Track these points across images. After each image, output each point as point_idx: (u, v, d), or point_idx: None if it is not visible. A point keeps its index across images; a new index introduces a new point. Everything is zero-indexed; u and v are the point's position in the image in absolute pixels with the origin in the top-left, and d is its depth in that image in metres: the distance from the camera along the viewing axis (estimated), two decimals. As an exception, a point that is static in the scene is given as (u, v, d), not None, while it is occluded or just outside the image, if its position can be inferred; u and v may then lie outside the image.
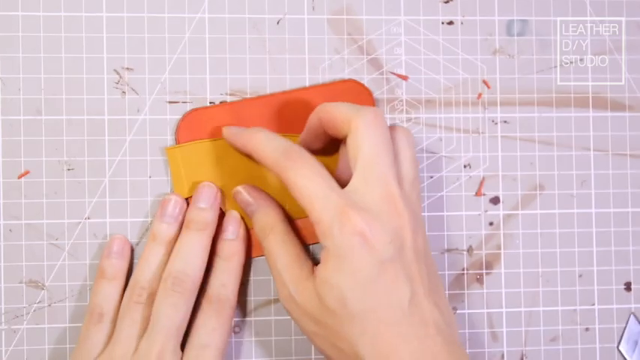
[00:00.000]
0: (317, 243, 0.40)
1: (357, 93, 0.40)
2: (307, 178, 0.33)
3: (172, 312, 0.36)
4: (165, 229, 0.38)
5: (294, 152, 0.34)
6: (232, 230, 0.38)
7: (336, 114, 0.35)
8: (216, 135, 0.39)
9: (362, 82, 0.41)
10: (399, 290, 0.32)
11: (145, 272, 0.37)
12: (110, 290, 0.37)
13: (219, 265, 0.38)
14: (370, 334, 0.32)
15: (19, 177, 0.39)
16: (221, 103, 0.40)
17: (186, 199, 0.39)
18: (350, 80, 0.40)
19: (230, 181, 0.39)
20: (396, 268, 0.32)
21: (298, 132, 0.39)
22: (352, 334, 0.32)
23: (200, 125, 0.39)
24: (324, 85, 0.40)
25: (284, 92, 0.40)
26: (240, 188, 0.38)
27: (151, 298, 0.36)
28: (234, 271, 0.38)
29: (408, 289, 0.32)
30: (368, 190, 0.33)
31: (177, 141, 0.39)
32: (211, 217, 0.38)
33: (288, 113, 0.40)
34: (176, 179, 0.39)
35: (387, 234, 0.32)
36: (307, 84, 0.41)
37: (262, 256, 0.40)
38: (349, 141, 0.34)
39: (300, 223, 0.40)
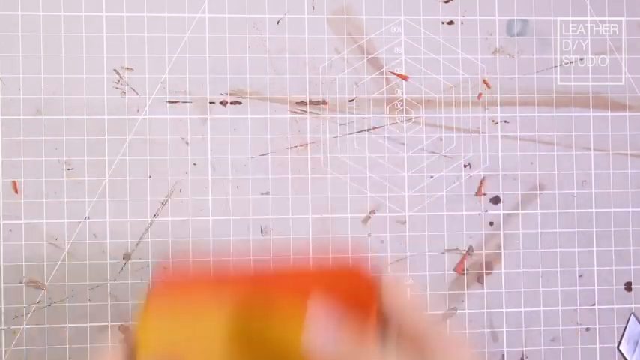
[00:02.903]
0: None
1: (358, 282, 0.27)
2: None
3: None
4: None
5: None
6: None
7: None
8: (191, 306, 0.26)
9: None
10: None
11: None
12: None
13: None
14: None
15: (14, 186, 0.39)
16: (198, 270, 0.28)
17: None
18: (354, 267, 0.27)
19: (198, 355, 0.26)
20: None
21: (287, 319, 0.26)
22: None
23: (173, 296, 0.27)
24: (320, 271, 0.28)
25: (275, 270, 0.28)
26: None
27: None
28: None
29: None
30: None
31: (145, 310, 0.27)
32: None
33: (275, 297, 0.27)
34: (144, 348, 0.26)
35: None
36: (307, 83, 0.41)
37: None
38: None
39: None
